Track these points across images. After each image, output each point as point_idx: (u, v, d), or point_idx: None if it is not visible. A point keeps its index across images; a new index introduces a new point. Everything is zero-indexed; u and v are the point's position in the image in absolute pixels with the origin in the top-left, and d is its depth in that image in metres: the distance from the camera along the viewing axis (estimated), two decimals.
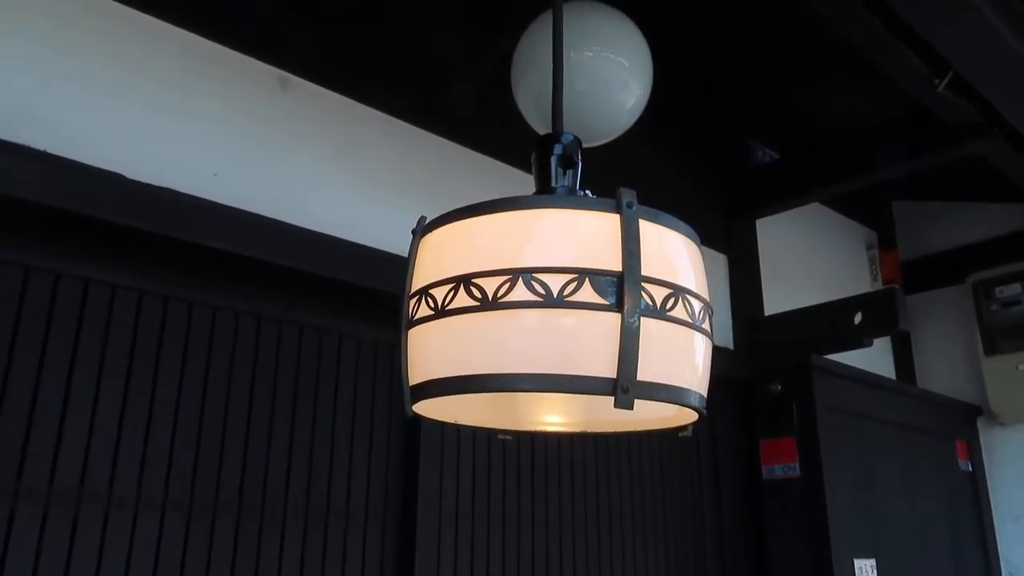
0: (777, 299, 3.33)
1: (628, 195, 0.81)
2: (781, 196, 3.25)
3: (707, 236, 0.90)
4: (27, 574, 1.48)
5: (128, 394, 1.67)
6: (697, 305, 0.83)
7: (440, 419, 0.97)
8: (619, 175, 0.89)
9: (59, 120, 1.66)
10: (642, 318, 0.76)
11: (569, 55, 1.93)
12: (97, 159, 1.63)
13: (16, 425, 1.53)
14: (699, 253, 0.88)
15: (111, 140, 1.71)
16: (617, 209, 0.80)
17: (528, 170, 0.99)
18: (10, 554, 1.47)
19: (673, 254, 0.84)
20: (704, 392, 0.85)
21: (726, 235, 3.28)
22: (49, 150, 1.58)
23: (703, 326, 0.84)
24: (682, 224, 0.87)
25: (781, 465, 2.97)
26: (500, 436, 1.03)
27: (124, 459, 1.64)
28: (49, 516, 1.53)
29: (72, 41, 1.71)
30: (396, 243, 1.93)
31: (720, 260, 3.22)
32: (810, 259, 3.77)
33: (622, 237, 0.79)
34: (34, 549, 1.50)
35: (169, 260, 1.76)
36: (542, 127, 2.07)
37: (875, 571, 2.97)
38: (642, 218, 0.81)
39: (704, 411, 0.85)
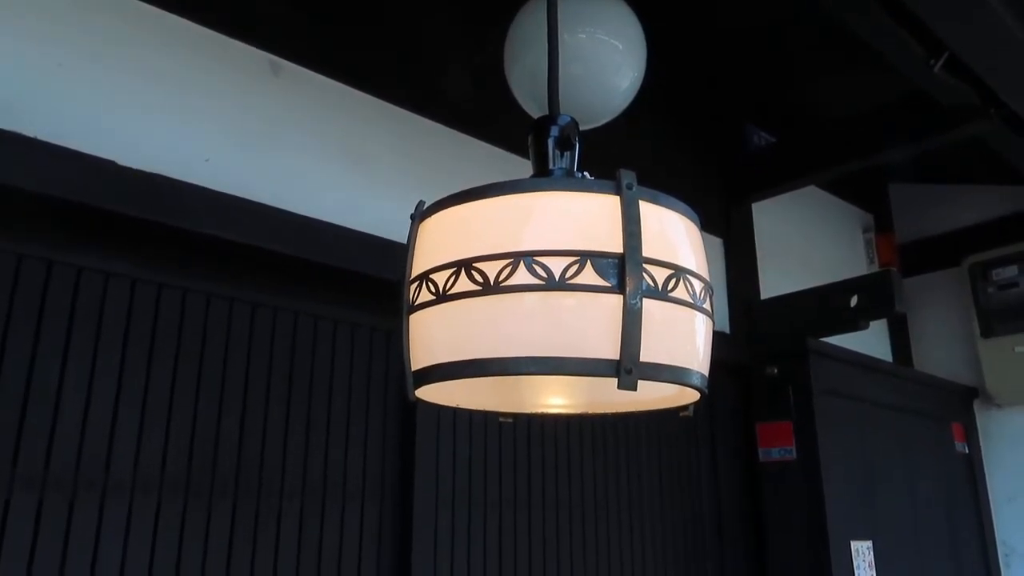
0: (773, 283, 3.32)
1: (628, 176, 0.80)
2: (777, 180, 3.24)
3: (704, 220, 0.90)
4: (24, 560, 1.48)
5: (123, 381, 1.67)
6: (698, 285, 0.83)
7: (442, 403, 0.96)
8: (615, 160, 0.88)
9: (50, 107, 1.64)
10: (644, 299, 0.76)
11: (563, 38, 1.91)
12: (89, 146, 1.62)
13: (11, 413, 1.52)
14: (699, 233, 0.88)
15: (102, 127, 1.70)
16: (617, 191, 0.80)
17: (526, 156, 0.98)
18: (6, 541, 1.47)
19: (674, 235, 0.84)
20: (706, 372, 0.85)
21: (722, 219, 3.28)
22: (40, 137, 1.56)
23: (704, 306, 0.84)
24: (682, 204, 0.86)
25: (778, 448, 2.98)
26: (501, 419, 1.03)
27: (120, 444, 1.64)
28: (45, 502, 1.52)
29: (63, 28, 1.69)
30: (391, 229, 1.92)
31: (716, 244, 3.22)
32: (806, 242, 3.76)
33: (622, 219, 0.78)
34: (30, 535, 1.50)
35: (162, 247, 1.75)
36: (536, 110, 2.05)
37: (872, 553, 2.98)
38: (642, 199, 0.80)
39: (706, 391, 0.85)
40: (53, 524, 1.53)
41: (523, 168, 0.98)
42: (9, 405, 1.52)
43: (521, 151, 1.04)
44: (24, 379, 1.55)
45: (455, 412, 2.16)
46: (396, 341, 0.88)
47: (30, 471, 1.52)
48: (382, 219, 2.01)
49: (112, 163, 1.63)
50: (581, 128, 1.00)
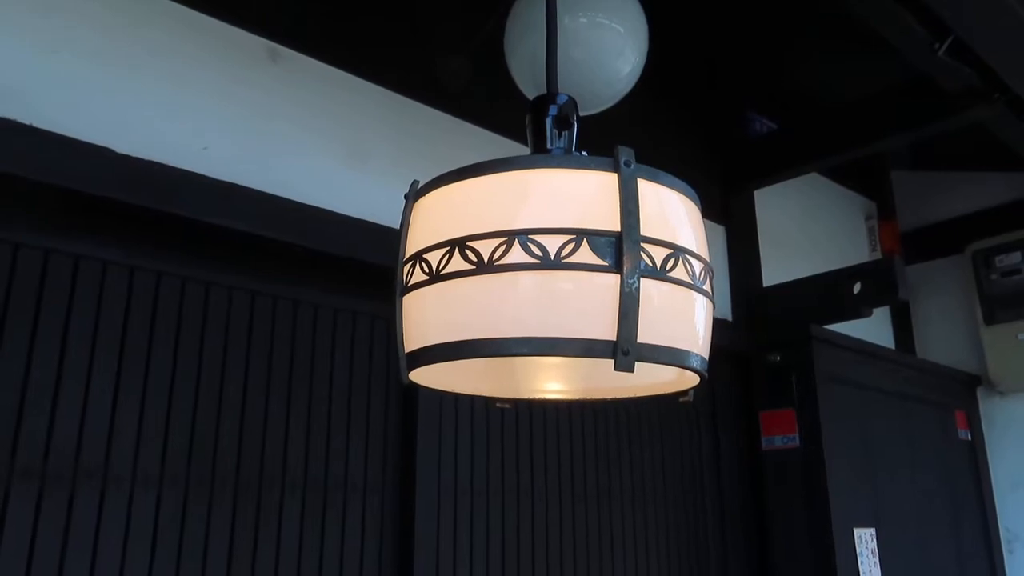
0: (776, 270, 3.31)
1: (626, 153, 0.79)
2: (779, 166, 3.22)
3: (705, 207, 0.88)
4: (23, 554, 1.47)
5: (121, 371, 1.66)
6: (697, 266, 0.81)
7: (437, 388, 0.95)
8: (615, 146, 0.87)
9: (46, 94, 1.62)
10: (642, 279, 0.74)
11: (563, 22, 1.89)
12: (85, 133, 1.60)
13: (8, 405, 1.51)
14: (699, 213, 0.86)
15: (99, 114, 1.68)
16: (615, 168, 0.78)
17: (525, 142, 0.97)
18: (6, 535, 1.46)
19: (672, 214, 0.82)
20: (705, 355, 0.83)
21: (724, 206, 3.26)
22: (36, 124, 1.55)
23: (704, 287, 0.82)
24: (681, 183, 0.85)
25: (781, 436, 2.97)
26: (498, 404, 1.01)
27: (119, 437, 1.63)
28: (44, 496, 1.52)
29: (59, 14, 1.68)
30: (390, 216, 1.90)
31: (718, 231, 3.20)
32: (809, 230, 3.74)
33: (620, 196, 0.77)
34: (30, 529, 1.49)
35: (160, 235, 1.74)
36: (536, 94, 2.03)
37: (875, 540, 2.97)
38: (640, 177, 0.79)
39: (706, 374, 0.83)
40: (52, 517, 1.52)
41: (523, 153, 0.97)
42: (7, 396, 1.51)
43: (520, 137, 1.03)
44: (22, 369, 1.54)
45: (456, 401, 2.15)
46: (394, 324, 0.87)
47: (29, 463, 1.51)
48: (381, 205, 2.00)
49: (109, 150, 1.62)
50: (583, 114, 0.99)
